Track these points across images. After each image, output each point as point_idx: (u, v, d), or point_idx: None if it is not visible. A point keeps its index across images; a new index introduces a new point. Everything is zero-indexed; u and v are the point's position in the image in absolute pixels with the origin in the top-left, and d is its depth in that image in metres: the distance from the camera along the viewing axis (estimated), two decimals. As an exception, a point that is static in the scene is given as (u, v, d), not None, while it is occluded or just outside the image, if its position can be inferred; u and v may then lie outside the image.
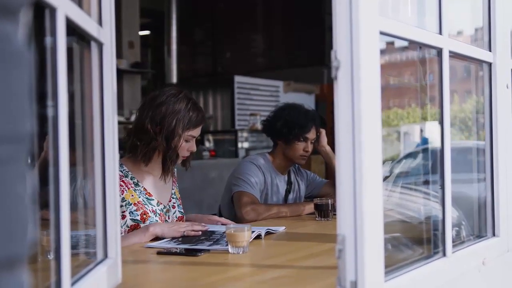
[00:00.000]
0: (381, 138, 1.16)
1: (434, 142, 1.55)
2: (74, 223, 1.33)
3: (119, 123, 5.73)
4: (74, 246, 1.31)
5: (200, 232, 2.07)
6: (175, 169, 2.43)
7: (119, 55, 7.03)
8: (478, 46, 1.77)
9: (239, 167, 2.85)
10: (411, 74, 1.86)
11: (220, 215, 2.86)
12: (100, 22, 1.29)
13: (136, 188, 2.19)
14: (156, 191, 2.26)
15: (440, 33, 1.46)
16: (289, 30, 9.48)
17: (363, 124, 1.10)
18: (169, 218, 2.28)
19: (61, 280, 0.95)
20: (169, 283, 1.55)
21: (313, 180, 3.08)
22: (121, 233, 2.00)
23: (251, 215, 2.60)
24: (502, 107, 1.77)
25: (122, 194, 2.13)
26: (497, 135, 1.75)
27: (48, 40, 0.95)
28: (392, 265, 1.27)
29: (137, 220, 2.14)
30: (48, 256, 1.19)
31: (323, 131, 2.96)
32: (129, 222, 2.13)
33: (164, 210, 2.26)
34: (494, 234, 1.76)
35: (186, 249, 1.84)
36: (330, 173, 3.27)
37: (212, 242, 1.95)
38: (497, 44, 1.75)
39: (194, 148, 2.27)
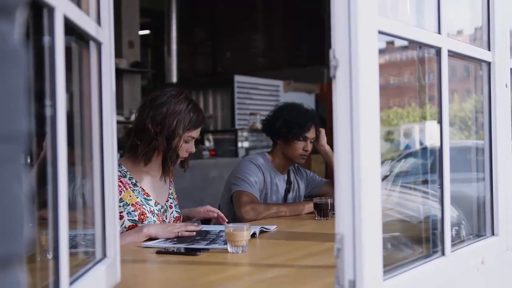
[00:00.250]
0: (379, 137, 1.16)
1: (433, 142, 1.55)
2: (73, 223, 1.33)
3: (119, 122, 5.74)
4: (73, 246, 1.31)
5: (195, 233, 2.08)
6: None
7: (119, 54, 7.04)
8: (478, 46, 1.78)
9: (239, 166, 2.85)
10: (411, 73, 1.86)
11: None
12: (98, 22, 1.29)
13: (134, 189, 2.20)
14: (154, 192, 2.26)
15: (439, 32, 1.46)
16: (289, 29, 9.48)
17: (362, 123, 1.10)
18: (166, 218, 2.29)
19: (60, 279, 0.95)
20: (168, 283, 1.55)
21: (313, 180, 3.08)
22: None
23: (251, 214, 2.60)
24: (501, 106, 1.77)
25: (120, 195, 2.13)
26: (496, 134, 1.75)
27: (46, 39, 0.95)
28: (391, 264, 1.28)
29: (135, 220, 2.15)
30: (47, 255, 1.19)
31: (322, 131, 2.96)
32: (127, 223, 2.13)
33: (162, 210, 2.27)
34: (493, 233, 1.76)
35: (185, 249, 1.85)
36: (330, 173, 3.27)
37: (208, 241, 1.95)
38: (496, 43, 1.75)
39: (193, 149, 2.28)
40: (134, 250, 1.90)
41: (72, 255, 1.17)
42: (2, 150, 0.50)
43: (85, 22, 1.15)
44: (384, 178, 2.05)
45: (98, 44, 1.29)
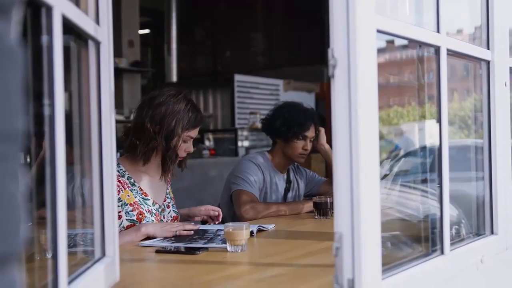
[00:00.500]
0: (378, 136, 1.16)
1: (433, 141, 1.55)
2: (73, 222, 1.33)
3: (119, 122, 5.75)
4: (73, 245, 1.31)
5: (193, 232, 2.08)
6: None
7: (119, 54, 7.03)
8: (478, 45, 1.77)
9: (238, 165, 2.85)
10: (411, 72, 1.86)
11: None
12: (97, 21, 1.29)
13: (133, 188, 2.20)
14: (151, 191, 2.27)
15: (438, 31, 1.46)
16: (289, 29, 9.48)
17: (360, 122, 1.10)
18: (164, 218, 2.29)
19: (58, 278, 0.95)
20: (167, 282, 1.55)
21: (312, 179, 3.09)
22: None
23: (250, 213, 2.60)
24: (500, 105, 1.77)
25: (118, 195, 2.13)
26: (496, 133, 1.75)
27: (44, 39, 0.95)
28: (390, 263, 1.28)
29: (133, 220, 2.15)
30: (47, 254, 1.19)
31: (322, 130, 2.96)
32: (125, 223, 2.13)
33: (160, 210, 2.27)
34: (492, 232, 1.76)
35: (184, 248, 1.85)
36: (329, 172, 3.27)
37: (206, 240, 1.95)
38: (495, 42, 1.75)
39: (191, 149, 2.28)
40: (133, 249, 1.90)
41: (71, 254, 1.17)
42: (-1, 149, 0.50)
43: (83, 21, 1.15)
44: (384, 177, 2.05)
45: (97, 43, 1.29)
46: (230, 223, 1.88)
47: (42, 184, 0.96)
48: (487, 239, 1.74)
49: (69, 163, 1.20)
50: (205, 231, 2.14)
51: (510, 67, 1.84)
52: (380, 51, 1.19)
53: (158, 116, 2.17)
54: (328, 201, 2.53)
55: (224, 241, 1.83)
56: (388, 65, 1.76)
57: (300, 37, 9.22)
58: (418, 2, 1.78)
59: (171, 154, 2.21)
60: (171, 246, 1.88)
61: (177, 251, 1.82)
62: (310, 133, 2.86)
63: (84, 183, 1.35)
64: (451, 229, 1.56)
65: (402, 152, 2.09)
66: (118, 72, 6.90)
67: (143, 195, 2.22)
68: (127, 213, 2.14)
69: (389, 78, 1.77)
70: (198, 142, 6.76)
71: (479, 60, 1.76)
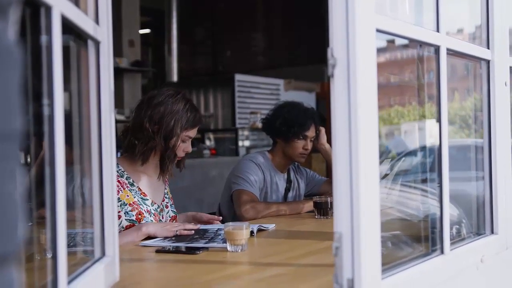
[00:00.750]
0: (377, 135, 1.16)
1: (433, 141, 1.55)
2: (73, 222, 1.33)
3: (119, 121, 5.75)
4: (72, 244, 1.31)
5: (193, 231, 2.08)
6: None
7: (119, 53, 7.03)
8: (478, 44, 1.77)
9: (239, 165, 2.85)
10: (412, 72, 1.86)
11: (220, 214, 2.87)
12: (97, 21, 1.29)
13: (131, 188, 2.20)
14: (150, 191, 2.27)
15: (438, 30, 1.46)
16: (289, 28, 9.47)
17: (360, 121, 1.10)
18: (163, 218, 2.29)
19: (58, 278, 0.95)
20: (167, 281, 1.55)
21: (313, 178, 3.08)
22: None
23: (251, 213, 2.60)
24: (500, 105, 1.77)
25: (117, 195, 2.13)
26: (496, 133, 1.75)
27: (43, 38, 0.95)
28: (390, 263, 1.28)
29: (133, 220, 2.15)
30: (47, 254, 1.19)
31: (322, 129, 2.96)
32: (125, 223, 2.14)
33: (158, 210, 2.27)
34: (492, 232, 1.76)
35: (185, 247, 1.85)
36: (330, 171, 3.27)
37: (207, 240, 1.95)
38: (495, 42, 1.75)
39: (190, 149, 2.28)
40: (133, 249, 1.90)
41: (71, 254, 1.17)
42: (-4, 149, 0.50)
43: (83, 21, 1.15)
44: (384, 176, 2.05)
45: (97, 43, 1.29)
46: (230, 223, 1.88)
47: (42, 184, 0.96)
48: (487, 238, 1.74)
49: (69, 163, 1.20)
50: (206, 230, 2.14)
51: (510, 67, 1.84)
52: (380, 50, 1.19)
53: (157, 116, 2.17)
54: (329, 200, 2.53)
55: (225, 241, 1.83)
56: (389, 65, 1.76)
57: (301, 37, 9.21)
58: (418, 1, 1.78)
59: (170, 154, 2.21)
60: (171, 246, 1.88)
61: (177, 251, 1.82)
62: (311, 132, 2.86)
63: (84, 183, 1.35)
64: (451, 228, 1.56)
65: (393, 154, 2.09)
66: (119, 72, 6.90)
67: (142, 195, 2.22)
68: (126, 213, 2.14)
69: (389, 77, 1.77)
70: (198, 141, 6.76)
71: (479, 59, 1.76)
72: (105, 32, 1.32)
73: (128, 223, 2.14)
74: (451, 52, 1.53)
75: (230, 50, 10.16)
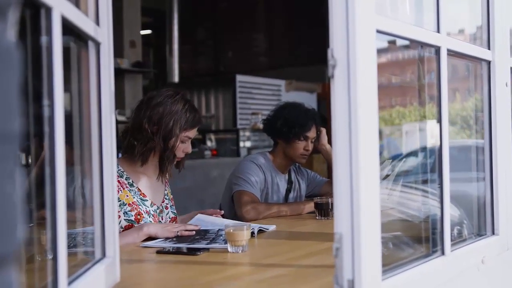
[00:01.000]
0: (378, 136, 1.16)
1: (435, 141, 1.55)
2: (74, 223, 1.34)
3: (121, 122, 5.76)
4: (73, 245, 1.31)
5: (194, 232, 2.08)
6: None
7: (120, 54, 7.03)
8: (479, 45, 1.77)
9: (240, 166, 2.85)
10: (413, 72, 1.86)
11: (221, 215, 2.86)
12: (97, 22, 1.29)
13: (131, 189, 2.20)
14: (150, 192, 2.27)
15: (438, 31, 1.46)
16: (290, 28, 9.47)
17: (360, 122, 1.10)
18: (162, 219, 2.29)
19: (58, 279, 0.95)
20: (168, 282, 1.55)
21: (314, 179, 3.08)
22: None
23: (252, 214, 2.60)
24: (501, 106, 1.77)
25: (117, 194, 2.13)
26: (497, 133, 1.75)
27: (44, 39, 0.95)
28: (390, 264, 1.27)
29: (131, 220, 2.15)
30: (48, 255, 1.19)
31: (323, 130, 2.96)
32: (123, 223, 2.14)
33: (158, 211, 2.27)
34: (493, 233, 1.76)
35: (185, 248, 1.85)
36: (331, 172, 3.26)
37: (208, 241, 1.95)
38: (496, 42, 1.75)
39: (189, 150, 2.28)
40: (134, 250, 1.90)
41: (71, 254, 1.17)
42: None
43: (83, 22, 1.15)
44: (385, 177, 2.05)
45: (97, 44, 1.29)
46: (231, 224, 1.88)
47: (43, 185, 0.96)
48: (488, 239, 1.74)
49: (70, 164, 1.20)
50: (207, 231, 2.14)
51: (511, 67, 1.84)
52: (382, 51, 1.19)
53: (156, 117, 2.17)
54: (329, 201, 2.53)
55: (226, 241, 1.83)
56: (390, 65, 1.76)
57: (302, 37, 9.21)
58: (418, 2, 1.78)
59: (169, 155, 2.21)
60: (172, 246, 1.88)
61: (177, 252, 1.82)
62: (311, 133, 2.86)
63: (85, 184, 1.35)
64: (452, 229, 1.56)
65: (384, 157, 2.09)
66: (120, 73, 6.90)
67: (141, 196, 2.22)
68: (125, 213, 2.15)
69: (391, 78, 1.77)
70: (200, 142, 6.76)
71: (480, 60, 1.76)
72: (105, 33, 1.32)
73: (127, 223, 2.14)
74: (452, 53, 1.53)
75: (231, 50, 10.16)
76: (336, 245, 1.12)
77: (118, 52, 6.83)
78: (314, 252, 1.87)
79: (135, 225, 2.14)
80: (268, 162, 2.89)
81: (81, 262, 1.26)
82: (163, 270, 1.69)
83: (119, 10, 6.87)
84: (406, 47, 1.66)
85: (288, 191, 2.95)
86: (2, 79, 0.51)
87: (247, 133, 7.26)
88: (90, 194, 1.31)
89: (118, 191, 2.14)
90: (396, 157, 2.10)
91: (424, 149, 1.93)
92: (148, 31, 10.14)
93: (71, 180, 1.23)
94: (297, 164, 3.01)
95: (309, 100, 6.90)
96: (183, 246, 1.88)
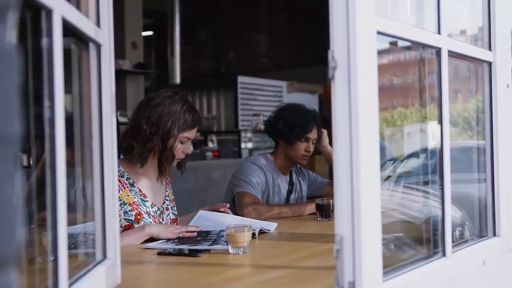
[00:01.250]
0: (378, 137, 1.16)
1: (436, 142, 1.55)
2: (75, 224, 1.34)
3: (123, 124, 5.76)
4: (74, 246, 1.31)
5: (196, 233, 2.08)
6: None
7: (122, 55, 7.04)
8: (480, 46, 1.77)
9: (241, 167, 2.85)
10: (415, 73, 1.86)
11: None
12: (98, 23, 1.29)
13: (132, 189, 2.20)
14: (150, 193, 2.27)
15: (439, 32, 1.45)
16: (292, 29, 9.47)
17: (360, 124, 1.10)
18: (163, 220, 2.29)
19: (59, 280, 0.95)
20: (169, 284, 1.55)
21: (315, 180, 3.08)
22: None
23: (253, 215, 2.60)
24: (502, 107, 1.77)
25: (118, 194, 2.13)
26: (498, 135, 1.75)
27: (44, 41, 0.96)
28: (391, 265, 1.27)
29: (131, 220, 2.15)
30: (49, 257, 1.19)
31: (324, 131, 2.96)
32: (123, 222, 2.14)
33: (158, 212, 2.27)
34: (494, 234, 1.75)
35: (187, 250, 1.85)
36: (332, 173, 3.26)
37: (210, 242, 1.95)
38: (497, 43, 1.75)
39: (189, 150, 2.27)
40: (135, 252, 1.90)
41: (72, 256, 1.17)
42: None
43: (84, 24, 1.16)
44: (387, 178, 2.05)
45: (98, 46, 1.29)
46: (232, 225, 1.88)
47: (44, 186, 0.97)
48: (489, 241, 1.73)
49: (71, 165, 1.20)
50: (208, 232, 2.14)
51: (512, 68, 1.84)
52: (383, 52, 1.19)
53: (154, 117, 2.17)
54: (331, 203, 2.52)
55: (228, 243, 1.83)
56: (392, 67, 1.76)
57: (303, 38, 9.20)
58: (419, 3, 1.78)
59: (168, 155, 2.20)
60: (174, 248, 1.88)
61: (178, 253, 1.82)
62: (313, 135, 2.85)
63: (86, 186, 1.35)
64: (454, 231, 1.56)
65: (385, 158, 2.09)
66: (122, 74, 6.90)
67: (142, 197, 2.22)
68: (125, 212, 2.15)
69: (392, 79, 1.77)
70: (201, 143, 6.77)
71: (481, 61, 1.75)
72: (106, 34, 1.32)
73: (127, 223, 2.14)
74: (453, 54, 1.53)
75: (233, 51, 10.15)
76: (337, 246, 1.11)
77: (120, 53, 6.83)
78: (315, 253, 1.86)
79: (135, 225, 2.14)
80: (269, 164, 2.89)
81: (82, 264, 1.26)
82: (164, 271, 1.69)
83: (120, 12, 6.87)
84: (407, 48, 1.65)
85: (289, 192, 2.95)
86: (2, 81, 0.51)
87: (249, 134, 7.27)
88: (91, 196, 1.31)
89: (119, 191, 2.14)
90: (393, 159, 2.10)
91: (425, 150, 1.93)
92: (149, 33, 10.14)
93: (72, 182, 1.23)
94: (298, 165, 3.01)
95: (310, 102, 6.89)
96: (185, 247, 1.88)
